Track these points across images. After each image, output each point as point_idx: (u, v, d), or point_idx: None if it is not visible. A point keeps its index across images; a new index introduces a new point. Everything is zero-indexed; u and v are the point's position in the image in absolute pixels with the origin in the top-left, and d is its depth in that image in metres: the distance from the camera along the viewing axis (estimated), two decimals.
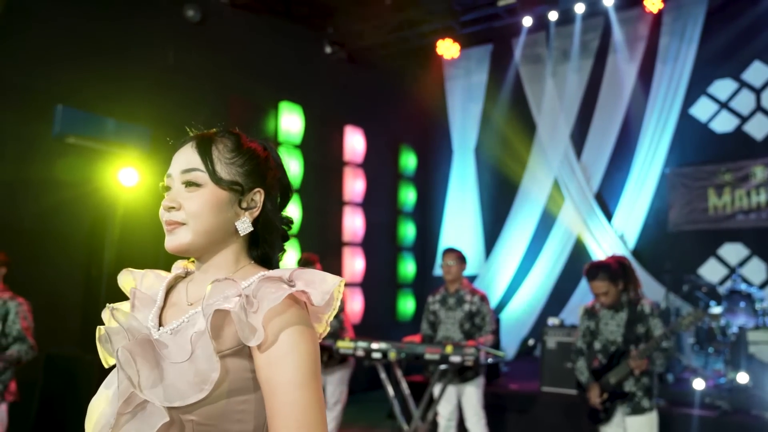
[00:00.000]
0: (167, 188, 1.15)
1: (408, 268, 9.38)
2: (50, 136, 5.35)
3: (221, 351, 1.01)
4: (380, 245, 8.90)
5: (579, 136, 8.25)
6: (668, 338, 3.53)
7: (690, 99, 7.63)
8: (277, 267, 1.19)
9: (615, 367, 3.61)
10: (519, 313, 8.31)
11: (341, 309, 4.92)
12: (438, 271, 6.02)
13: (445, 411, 4.55)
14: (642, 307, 3.66)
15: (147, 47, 6.25)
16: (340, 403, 4.90)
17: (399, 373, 4.41)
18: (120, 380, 1.01)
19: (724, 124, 7.56)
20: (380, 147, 8.99)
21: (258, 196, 1.15)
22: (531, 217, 8.51)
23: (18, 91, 5.27)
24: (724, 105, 7.57)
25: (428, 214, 9.60)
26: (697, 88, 7.61)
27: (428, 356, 4.02)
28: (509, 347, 7.91)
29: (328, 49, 8.35)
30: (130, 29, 6.08)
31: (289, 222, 1.23)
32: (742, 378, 5.10)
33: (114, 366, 1.05)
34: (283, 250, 1.22)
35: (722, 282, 7.14)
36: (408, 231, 9.43)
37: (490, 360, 4.08)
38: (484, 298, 4.56)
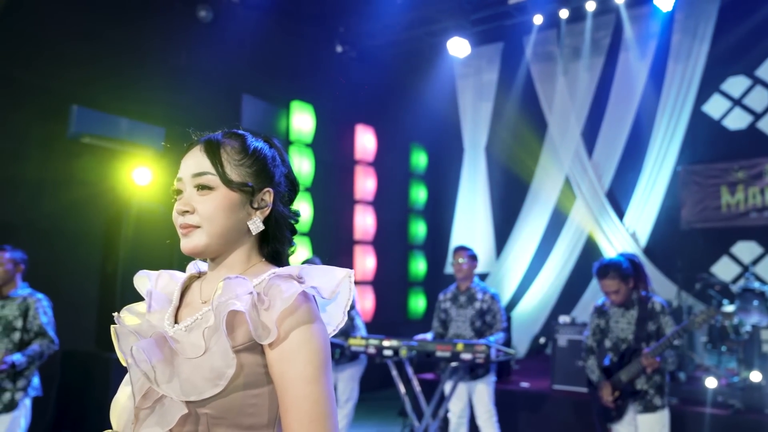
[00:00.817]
0: (178, 191, 1.17)
1: (419, 266, 9.41)
2: (66, 136, 5.44)
3: (234, 347, 1.04)
4: (391, 243, 8.93)
5: (590, 134, 8.22)
6: (681, 336, 3.52)
7: (702, 96, 7.58)
8: (287, 263, 1.23)
9: (626, 365, 3.61)
10: (530, 312, 8.30)
11: (352, 306, 4.95)
12: (449, 269, 6.03)
13: (456, 408, 4.58)
14: (653, 305, 3.66)
15: (160, 48, 6.32)
16: (351, 400, 4.93)
17: (410, 370, 4.44)
18: (136, 378, 1.05)
19: (737, 121, 7.51)
20: (391, 146, 9.02)
21: (268, 196, 1.18)
22: (542, 216, 8.49)
23: (34, 92, 5.35)
24: (737, 102, 7.52)
25: (439, 213, 9.62)
26: (709, 86, 7.56)
27: (439, 353, 4.04)
28: (520, 345, 7.91)
29: (339, 49, 8.39)
30: (144, 30, 6.15)
31: (296, 215, 1.26)
32: (755, 377, 5.07)
33: None
34: (293, 245, 1.25)
35: (735, 280, 7.10)
36: (419, 229, 9.46)
37: (501, 356, 4.09)
38: (495, 296, 4.58)
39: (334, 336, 1.84)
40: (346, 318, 1.19)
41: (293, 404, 1.03)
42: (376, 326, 7.35)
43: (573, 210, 8.26)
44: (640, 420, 3.60)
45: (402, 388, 4.43)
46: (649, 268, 6.84)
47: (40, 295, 3.93)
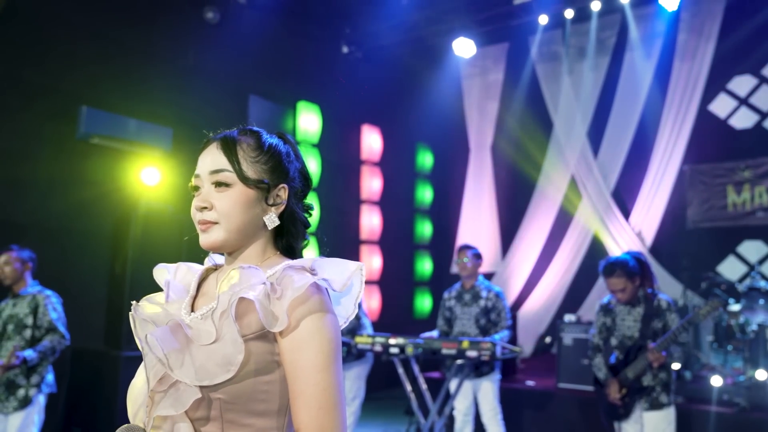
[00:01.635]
0: (196, 188, 1.21)
1: (425, 265, 9.43)
2: (75, 137, 5.50)
3: (246, 335, 1.08)
4: (397, 243, 8.96)
5: (596, 134, 8.22)
6: (686, 330, 3.54)
7: (708, 95, 7.57)
8: (301, 256, 1.26)
9: (632, 362, 3.62)
10: (536, 311, 8.31)
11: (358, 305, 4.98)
12: (455, 268, 6.05)
13: (461, 406, 4.60)
14: (659, 302, 3.67)
15: (168, 49, 6.37)
16: (358, 398, 4.96)
17: (416, 368, 4.47)
18: (151, 364, 1.09)
19: (743, 120, 7.50)
20: (397, 145, 9.05)
21: (282, 192, 1.22)
22: (548, 215, 8.50)
23: (43, 92, 5.41)
24: (743, 101, 7.51)
25: (445, 212, 9.63)
26: (715, 85, 7.55)
27: (445, 351, 4.07)
28: (526, 345, 7.92)
29: (345, 49, 8.43)
30: (152, 32, 6.21)
31: (309, 209, 1.30)
32: (761, 375, 5.07)
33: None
34: (306, 239, 1.29)
35: (741, 279, 7.09)
36: (425, 229, 9.48)
37: (506, 354, 4.12)
38: (499, 294, 4.60)
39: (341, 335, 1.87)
40: (357, 310, 1.22)
41: (303, 392, 1.06)
42: (382, 326, 7.38)
43: (579, 209, 8.26)
44: (646, 417, 3.61)
45: (408, 386, 4.46)
46: (655, 268, 6.81)
47: (48, 292, 3.98)
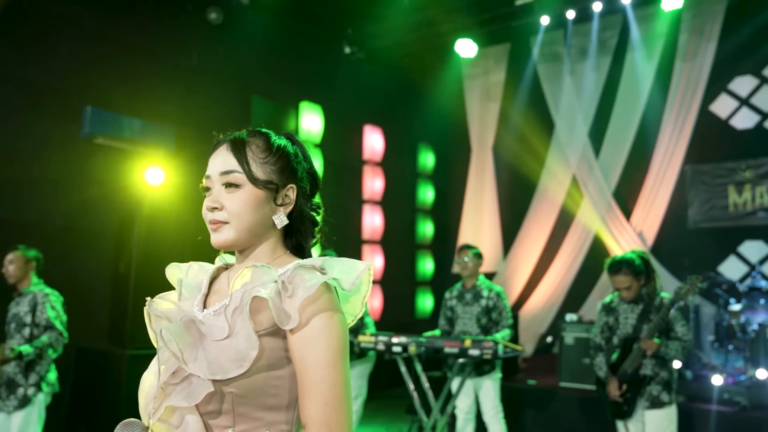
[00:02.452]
0: (207, 189, 1.24)
1: (426, 265, 9.46)
2: (79, 137, 5.53)
3: (258, 331, 1.11)
4: (399, 243, 8.98)
5: (597, 134, 8.24)
6: (686, 325, 3.59)
7: (709, 96, 7.58)
8: (310, 255, 1.30)
9: (629, 355, 3.65)
10: (537, 311, 8.33)
11: None
12: (456, 268, 6.08)
13: (463, 405, 4.62)
14: (660, 300, 3.69)
15: (172, 49, 6.41)
16: (360, 396, 4.99)
17: (419, 367, 4.49)
18: (165, 357, 1.12)
19: (744, 120, 7.51)
20: (399, 146, 9.08)
21: (291, 192, 1.25)
22: (549, 215, 8.52)
23: (48, 92, 5.45)
24: (744, 101, 7.52)
25: (447, 212, 9.65)
26: (716, 85, 7.56)
27: (447, 350, 4.09)
28: (527, 344, 7.94)
29: (347, 50, 8.45)
30: (156, 32, 6.24)
31: (318, 208, 1.33)
32: (762, 374, 5.09)
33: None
34: (315, 238, 1.32)
35: (742, 279, 7.10)
36: (426, 229, 9.51)
37: (508, 352, 4.14)
38: (500, 293, 4.62)
39: None
40: (364, 309, 1.25)
41: (311, 387, 1.09)
42: (384, 325, 7.40)
43: (580, 209, 8.28)
44: (647, 416, 3.62)
45: (411, 385, 4.48)
46: (657, 268, 6.85)
47: (48, 290, 4.00)
